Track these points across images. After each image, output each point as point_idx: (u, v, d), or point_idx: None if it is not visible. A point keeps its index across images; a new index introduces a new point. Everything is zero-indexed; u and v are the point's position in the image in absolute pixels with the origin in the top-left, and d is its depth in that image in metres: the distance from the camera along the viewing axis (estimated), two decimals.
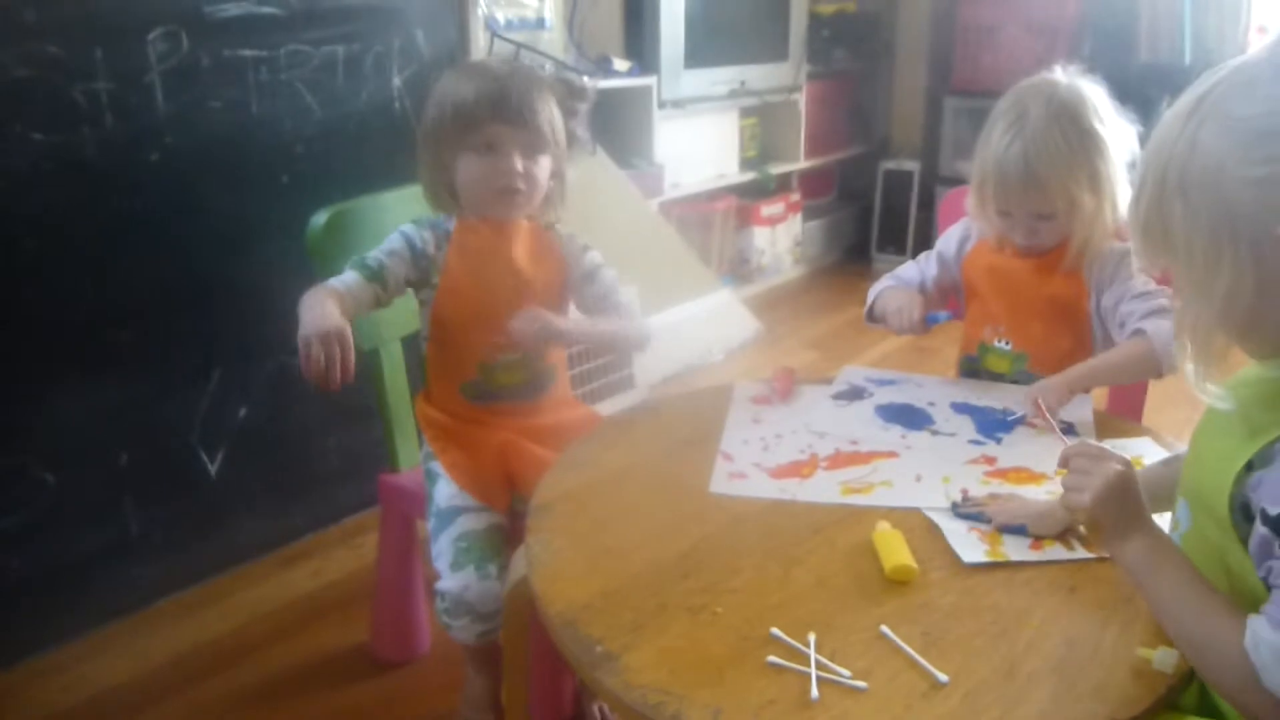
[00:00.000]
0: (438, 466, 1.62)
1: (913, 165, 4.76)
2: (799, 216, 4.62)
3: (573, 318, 1.71)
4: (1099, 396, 1.73)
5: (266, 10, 2.09)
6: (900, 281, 1.77)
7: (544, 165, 1.62)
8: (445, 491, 1.58)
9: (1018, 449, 1.39)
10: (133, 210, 1.98)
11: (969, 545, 1.14)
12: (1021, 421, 1.47)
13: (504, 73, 1.59)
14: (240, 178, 2.13)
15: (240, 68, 2.08)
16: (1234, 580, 0.83)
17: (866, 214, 4.99)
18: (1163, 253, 0.84)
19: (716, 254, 4.15)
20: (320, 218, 1.68)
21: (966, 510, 1.20)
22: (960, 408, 1.53)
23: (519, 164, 1.57)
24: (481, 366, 1.63)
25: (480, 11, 2.53)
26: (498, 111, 1.55)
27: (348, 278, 1.53)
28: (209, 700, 1.90)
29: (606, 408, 2.85)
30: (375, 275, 1.55)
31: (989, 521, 1.17)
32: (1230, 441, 0.83)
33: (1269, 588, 0.78)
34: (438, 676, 1.90)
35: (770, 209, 4.40)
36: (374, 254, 1.58)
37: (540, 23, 2.77)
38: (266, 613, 2.16)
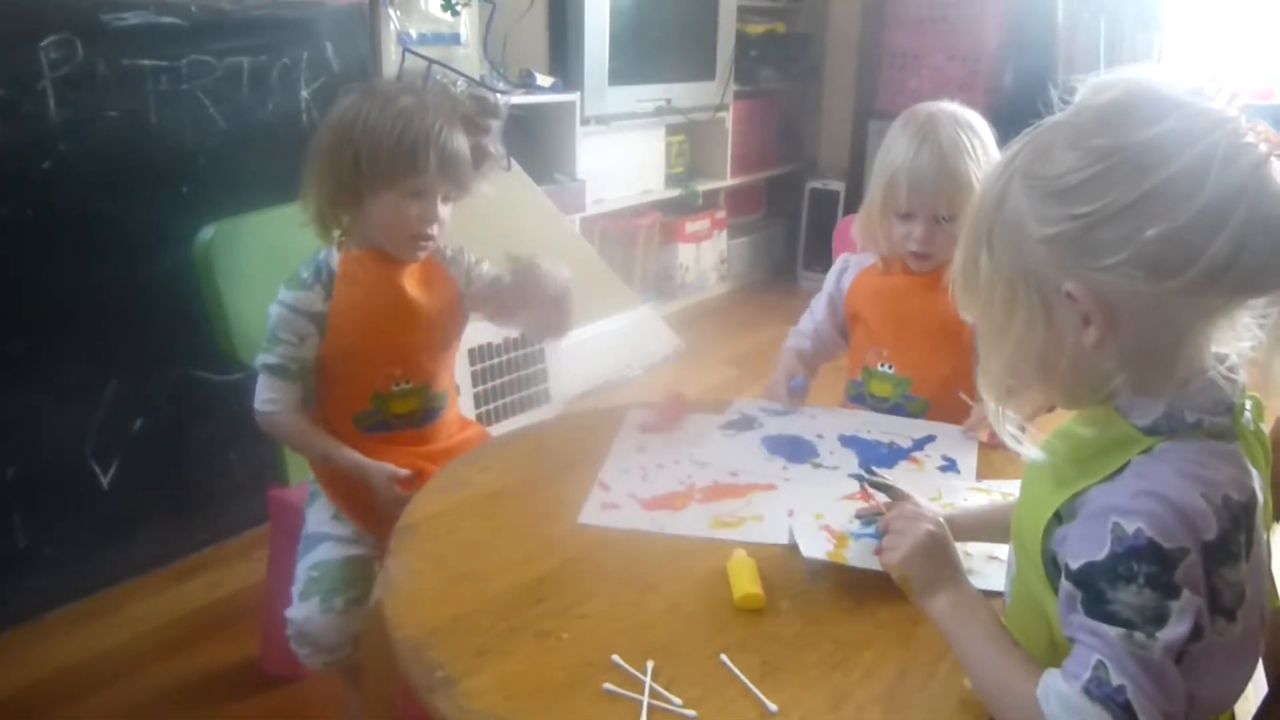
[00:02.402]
0: (319, 489, 1.61)
1: (838, 185, 4.82)
2: (724, 233, 4.66)
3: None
4: None
5: (167, 20, 2.07)
6: (798, 335, 1.81)
7: (451, 207, 1.58)
8: (315, 517, 1.57)
9: (898, 484, 1.40)
10: (24, 218, 1.95)
11: (814, 541, 1.17)
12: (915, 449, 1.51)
13: (437, 122, 1.50)
14: (138, 187, 2.10)
15: (139, 77, 2.06)
16: (1053, 629, 0.85)
17: (794, 232, 5.05)
18: (971, 299, 0.87)
19: (640, 270, 4.17)
20: (207, 232, 1.67)
21: (877, 482, 1.20)
22: (848, 441, 1.54)
23: (441, 212, 1.54)
24: (375, 397, 1.60)
25: (393, 26, 2.52)
26: (443, 166, 1.50)
27: (284, 406, 1.57)
28: (93, 715, 1.87)
29: (520, 422, 2.86)
30: (298, 377, 1.56)
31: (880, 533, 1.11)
32: (1043, 490, 0.86)
33: (1071, 642, 0.80)
34: (325, 693, 1.88)
35: (695, 225, 4.43)
36: (281, 353, 1.53)
37: (455, 38, 2.76)
38: (158, 626, 2.13)
